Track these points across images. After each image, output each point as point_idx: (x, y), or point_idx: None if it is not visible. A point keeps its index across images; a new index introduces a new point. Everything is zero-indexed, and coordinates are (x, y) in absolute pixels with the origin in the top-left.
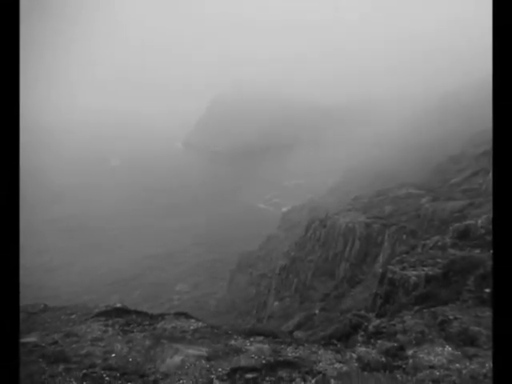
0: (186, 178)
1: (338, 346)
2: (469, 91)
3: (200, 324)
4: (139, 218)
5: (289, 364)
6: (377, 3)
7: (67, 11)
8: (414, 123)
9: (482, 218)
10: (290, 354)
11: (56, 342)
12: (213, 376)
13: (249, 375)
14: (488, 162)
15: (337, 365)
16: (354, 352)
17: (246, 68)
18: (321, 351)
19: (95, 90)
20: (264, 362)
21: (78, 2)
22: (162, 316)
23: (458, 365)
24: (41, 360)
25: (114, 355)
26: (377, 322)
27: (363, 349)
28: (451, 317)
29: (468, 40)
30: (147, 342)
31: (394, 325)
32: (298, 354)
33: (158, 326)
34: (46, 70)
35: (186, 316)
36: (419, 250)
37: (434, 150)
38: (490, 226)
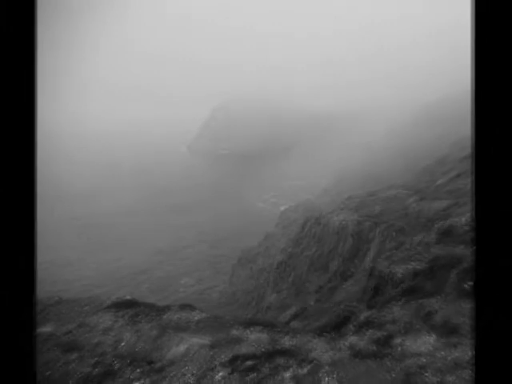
0: (191, 179)
1: (332, 335)
2: (455, 98)
3: (203, 315)
4: (147, 217)
5: (286, 352)
6: (365, 13)
7: (78, 23)
8: (402, 129)
9: (466, 216)
10: (286, 343)
11: (70, 332)
12: (216, 363)
13: (249, 362)
14: (471, 165)
15: (330, 353)
16: (346, 341)
17: (247, 76)
18: (315, 340)
19: (107, 100)
20: (263, 350)
21: (87, 10)
22: (168, 307)
23: (442, 352)
24: (56, 348)
25: (123, 344)
26: (367, 312)
27: (355, 338)
28: (436, 308)
29: (455, 49)
30: (154, 332)
31: (384, 316)
32: (294, 343)
33: (165, 316)
34: (60, 79)
35: (191, 307)
36: (407, 246)
37: (421, 154)
38: (473, 224)
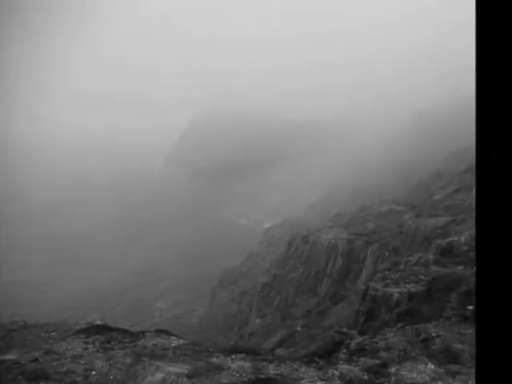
0: (169, 193)
1: (320, 363)
2: (451, 107)
3: (181, 341)
4: (120, 235)
5: (270, 382)
6: (354, 17)
7: (48, 27)
8: (393, 139)
9: (465, 234)
10: (271, 372)
11: (36, 360)
12: None
13: None
14: (471, 179)
15: (319, 383)
16: (336, 369)
17: (227, 83)
18: (303, 369)
19: (74, 109)
20: (245, 379)
21: (58, 16)
22: (142, 333)
23: (440, 382)
24: (20, 377)
25: (94, 373)
26: (359, 339)
27: (346, 366)
28: (434, 334)
29: (451, 55)
30: (128, 360)
31: (377, 342)
32: (279, 372)
33: (139, 343)
34: (27, 86)
35: (167, 333)
36: (402, 266)
37: (415, 166)
38: (473, 243)
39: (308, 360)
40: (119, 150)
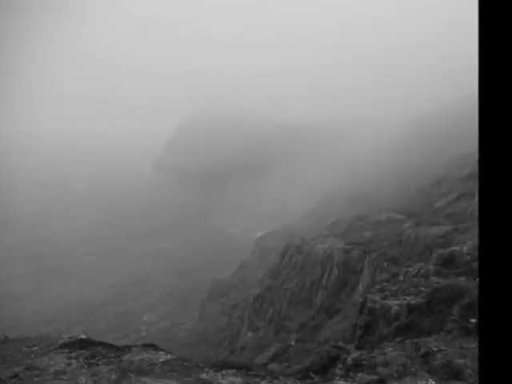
0: (156, 201)
1: (316, 379)
2: (451, 110)
3: (169, 356)
4: (106, 244)
5: None
6: (348, 18)
7: (28, 26)
8: (392, 144)
9: (468, 244)
10: None
11: (17, 376)
12: None
13: None
14: (473, 185)
15: None
16: None
17: (217, 85)
18: None
19: (56, 110)
20: None
21: (39, 15)
22: (128, 348)
23: None
24: None
25: None
26: (356, 353)
27: (342, 382)
28: (435, 348)
29: (449, 57)
30: (113, 376)
31: (375, 357)
32: None
33: (125, 358)
34: (7, 85)
35: (154, 348)
36: (401, 277)
37: (415, 172)
38: (476, 253)
39: (302, 376)
40: (104, 154)
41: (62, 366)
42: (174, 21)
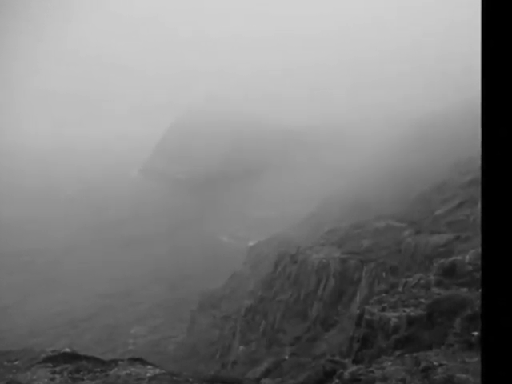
0: (144, 208)
1: None
2: (453, 113)
3: (158, 371)
4: (93, 253)
5: None
6: (348, 18)
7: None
8: (392, 148)
9: (470, 253)
10: None
11: None
12: None
13: None
14: (476, 192)
15: None
16: None
17: (211, 86)
18: None
19: (43, 112)
20: None
21: (22, 13)
22: (115, 362)
23: None
24: None
25: None
26: (353, 368)
27: None
28: (435, 363)
29: (450, 59)
30: None
31: (373, 371)
32: None
33: (111, 372)
34: None
35: (142, 362)
36: (400, 288)
37: (415, 178)
38: (479, 262)
39: None
40: (92, 157)
41: (46, 380)
42: (171, 20)
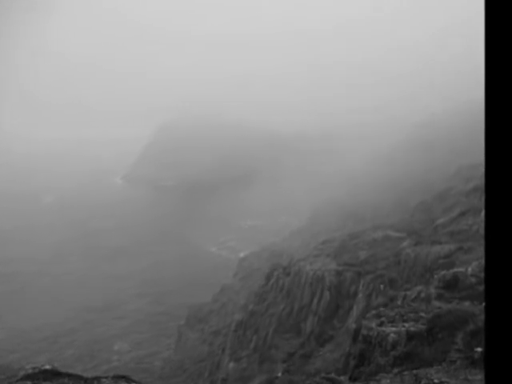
0: (129, 216)
1: None
2: (455, 116)
3: None
4: (74, 265)
5: None
6: (348, 18)
7: None
8: (390, 154)
9: (473, 264)
10: None
11: None
12: None
13: None
14: (479, 200)
15: None
16: None
17: (196, 89)
18: None
19: (22, 114)
20: None
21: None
22: (98, 379)
23: None
24: None
25: None
26: None
27: None
28: (436, 380)
29: (450, 59)
30: None
31: None
32: None
33: None
34: None
35: (127, 379)
36: (399, 302)
37: (415, 186)
38: (482, 275)
39: None
40: (74, 162)
41: None
42: (162, 19)
